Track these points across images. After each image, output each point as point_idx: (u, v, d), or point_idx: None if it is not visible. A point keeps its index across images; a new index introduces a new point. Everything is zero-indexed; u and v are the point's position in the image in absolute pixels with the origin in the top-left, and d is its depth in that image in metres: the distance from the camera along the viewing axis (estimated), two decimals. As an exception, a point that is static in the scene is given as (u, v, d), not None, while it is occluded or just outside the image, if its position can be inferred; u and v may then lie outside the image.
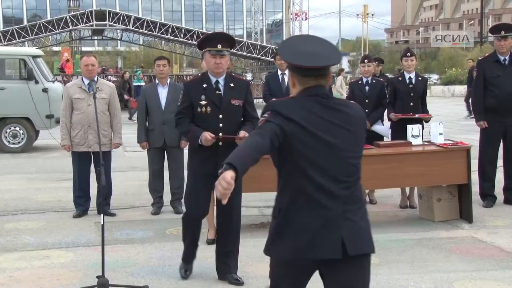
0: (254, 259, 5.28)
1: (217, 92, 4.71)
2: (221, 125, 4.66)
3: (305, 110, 2.62)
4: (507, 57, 7.27)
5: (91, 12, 36.54)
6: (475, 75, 7.58)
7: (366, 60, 7.51)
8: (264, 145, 2.54)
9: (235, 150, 2.56)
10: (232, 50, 4.83)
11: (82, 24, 35.81)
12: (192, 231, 4.86)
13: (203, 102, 4.68)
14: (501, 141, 7.41)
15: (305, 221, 2.65)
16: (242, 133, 4.60)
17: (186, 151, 6.57)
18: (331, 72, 2.75)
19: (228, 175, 2.41)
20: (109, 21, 35.68)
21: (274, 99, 2.84)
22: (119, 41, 52.75)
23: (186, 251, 4.96)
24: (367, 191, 7.54)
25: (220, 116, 4.67)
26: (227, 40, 4.69)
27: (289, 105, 2.65)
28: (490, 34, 8.77)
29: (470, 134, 12.85)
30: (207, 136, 4.57)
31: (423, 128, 7.04)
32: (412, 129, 6.75)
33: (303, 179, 2.63)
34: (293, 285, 2.80)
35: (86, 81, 6.88)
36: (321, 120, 2.63)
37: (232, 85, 4.74)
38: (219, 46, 4.60)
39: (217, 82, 4.73)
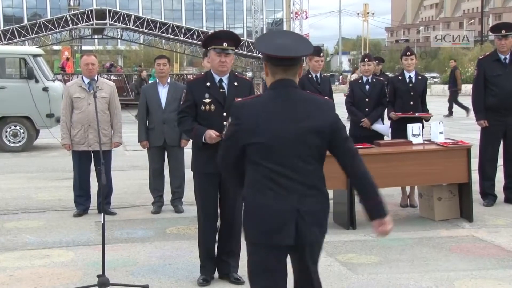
0: (254, 258, 5.26)
1: (221, 90, 4.70)
2: (225, 123, 4.65)
3: (266, 111, 2.88)
4: (507, 56, 7.27)
5: (91, 11, 36.59)
6: (475, 74, 7.58)
7: (366, 59, 7.50)
8: (241, 164, 2.97)
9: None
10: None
11: (83, 23, 35.86)
12: (205, 232, 4.79)
13: (206, 100, 4.68)
14: (502, 140, 7.41)
15: (267, 207, 2.86)
16: None
17: (186, 150, 6.60)
18: (302, 65, 3.00)
19: None
20: (109, 20, 35.72)
21: (240, 99, 3.06)
22: (119, 40, 52.86)
23: (202, 261, 4.85)
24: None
25: (224, 114, 4.66)
26: (233, 39, 4.68)
27: (251, 108, 2.91)
28: (490, 33, 8.76)
29: (471, 133, 12.85)
30: (211, 134, 4.57)
31: (423, 127, 7.04)
32: (413, 128, 6.74)
33: (262, 172, 2.88)
34: (267, 271, 2.94)
35: (86, 80, 6.88)
36: (280, 118, 2.86)
37: (236, 83, 4.74)
38: (225, 45, 4.59)
39: (220, 80, 4.72)
